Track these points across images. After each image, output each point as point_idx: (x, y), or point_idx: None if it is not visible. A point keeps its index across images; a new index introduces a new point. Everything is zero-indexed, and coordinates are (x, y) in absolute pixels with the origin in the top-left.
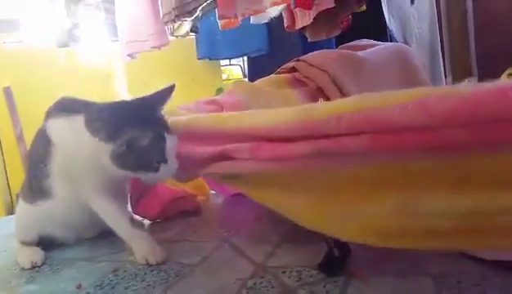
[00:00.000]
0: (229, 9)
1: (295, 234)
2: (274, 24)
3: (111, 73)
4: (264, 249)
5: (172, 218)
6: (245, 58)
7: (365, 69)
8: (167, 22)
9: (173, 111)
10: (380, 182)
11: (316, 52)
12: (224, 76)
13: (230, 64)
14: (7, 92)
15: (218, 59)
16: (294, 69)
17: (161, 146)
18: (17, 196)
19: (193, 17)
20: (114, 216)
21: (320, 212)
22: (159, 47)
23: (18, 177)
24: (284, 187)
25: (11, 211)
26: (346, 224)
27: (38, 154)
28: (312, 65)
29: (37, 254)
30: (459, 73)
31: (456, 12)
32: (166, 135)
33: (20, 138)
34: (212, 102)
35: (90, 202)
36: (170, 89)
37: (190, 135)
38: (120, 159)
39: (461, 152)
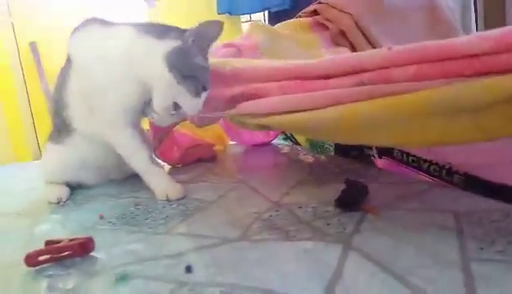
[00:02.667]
0: None
1: (312, 177)
2: None
3: None
4: (280, 189)
5: (191, 164)
6: (266, 13)
7: (390, 11)
8: None
9: None
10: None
11: None
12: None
13: (250, 20)
14: (33, 47)
15: (239, 14)
16: (315, 13)
17: (207, 75)
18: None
19: None
20: (133, 147)
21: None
22: None
23: (44, 127)
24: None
25: (38, 157)
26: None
27: (58, 85)
28: (334, 7)
29: (63, 190)
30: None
31: None
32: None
33: (46, 91)
34: (229, 45)
35: (107, 132)
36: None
37: (217, 76)
38: (176, 59)
39: None
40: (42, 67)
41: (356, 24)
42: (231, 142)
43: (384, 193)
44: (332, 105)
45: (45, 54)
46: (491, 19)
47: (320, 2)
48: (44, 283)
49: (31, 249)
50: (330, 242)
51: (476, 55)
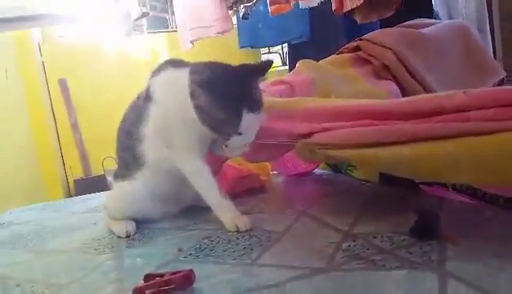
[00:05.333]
0: None
1: (371, 206)
2: (316, 10)
3: (154, 63)
4: (344, 220)
5: (240, 195)
6: (285, 46)
7: (428, 45)
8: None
9: None
10: None
11: (377, 31)
12: None
13: (269, 52)
14: (63, 84)
15: (260, 47)
16: (356, 49)
17: (236, 120)
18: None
19: (252, 2)
20: (205, 179)
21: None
22: (223, 33)
23: (72, 162)
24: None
25: (68, 193)
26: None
27: (133, 120)
28: (375, 44)
29: (130, 224)
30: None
31: None
32: (246, 112)
33: (74, 126)
34: (280, 82)
35: (182, 163)
36: (267, 64)
37: (287, 115)
38: (201, 115)
39: None
40: (72, 102)
41: (397, 58)
42: (273, 172)
43: (454, 221)
44: (411, 141)
45: (74, 88)
46: (509, 42)
47: (361, 39)
48: None
49: (129, 283)
50: (423, 270)
51: None
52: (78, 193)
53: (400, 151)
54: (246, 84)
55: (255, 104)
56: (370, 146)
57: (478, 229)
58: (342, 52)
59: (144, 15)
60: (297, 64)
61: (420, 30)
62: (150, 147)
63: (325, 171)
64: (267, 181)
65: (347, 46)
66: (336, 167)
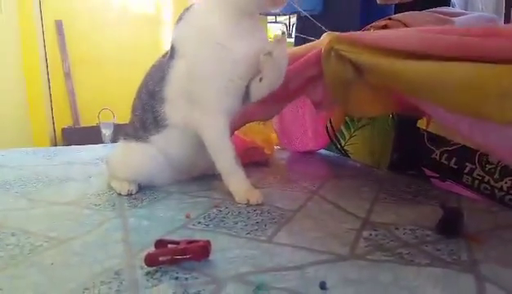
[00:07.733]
0: None
1: (384, 194)
2: None
3: (157, 17)
4: (358, 205)
5: (244, 167)
6: (293, 17)
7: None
8: None
9: None
10: None
11: (408, 13)
12: None
13: (276, 22)
14: (59, 26)
15: (267, 14)
16: (384, 28)
17: None
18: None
19: None
20: (222, 143)
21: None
22: None
23: (63, 111)
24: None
25: (54, 141)
26: None
27: (155, 80)
28: (405, 25)
29: (133, 183)
30: None
31: None
32: None
33: (67, 74)
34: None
35: (203, 121)
36: None
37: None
38: None
39: None
40: (66, 47)
41: None
42: (277, 147)
43: (476, 220)
44: (462, 58)
45: (69, 33)
46: None
47: (390, 18)
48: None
49: (137, 246)
50: (457, 270)
51: None
52: (65, 142)
53: (443, 68)
54: None
55: None
56: (411, 57)
57: (503, 230)
58: (368, 30)
59: None
60: (323, 36)
61: (452, 18)
62: (174, 108)
63: (331, 153)
64: (270, 155)
65: (373, 24)
66: (343, 149)
